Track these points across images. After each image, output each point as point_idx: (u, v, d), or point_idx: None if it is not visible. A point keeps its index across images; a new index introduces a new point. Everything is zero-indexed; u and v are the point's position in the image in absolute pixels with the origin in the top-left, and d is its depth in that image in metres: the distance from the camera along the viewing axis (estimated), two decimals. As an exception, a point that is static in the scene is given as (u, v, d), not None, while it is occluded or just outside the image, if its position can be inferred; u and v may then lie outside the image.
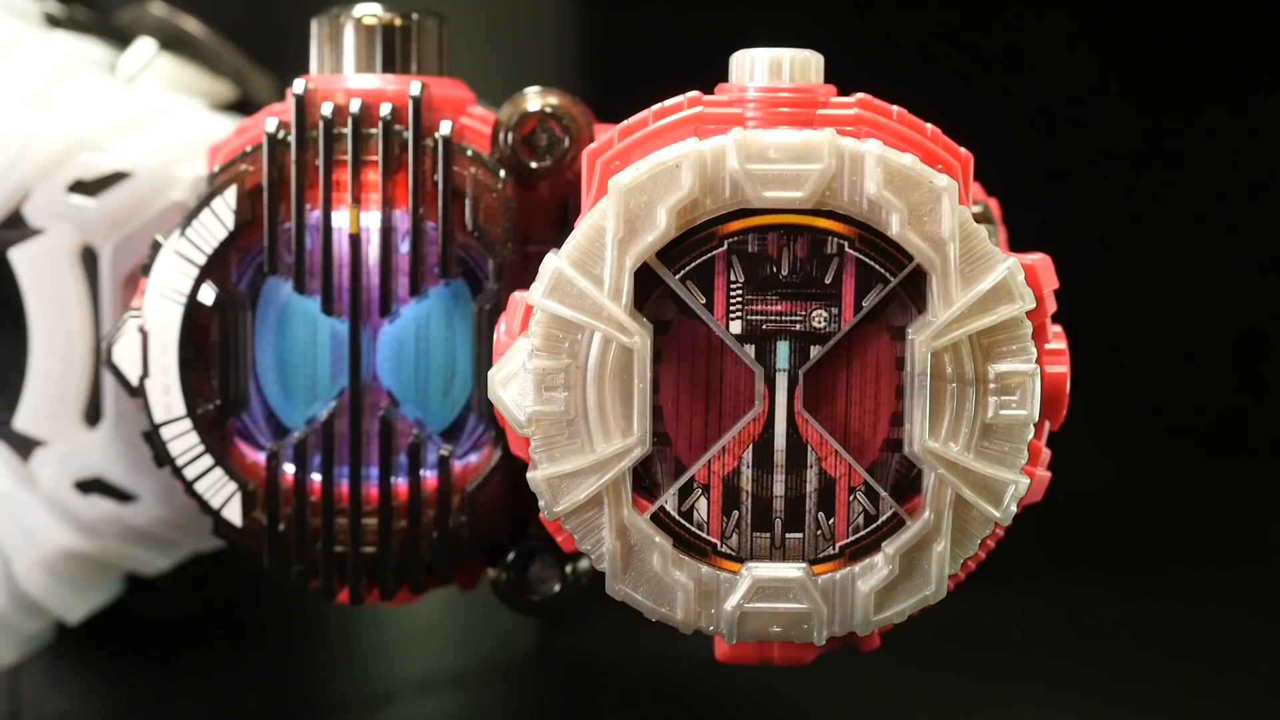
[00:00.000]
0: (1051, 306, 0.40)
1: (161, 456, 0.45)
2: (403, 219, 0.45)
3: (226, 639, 0.61)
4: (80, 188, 0.48)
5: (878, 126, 0.40)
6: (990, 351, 0.39)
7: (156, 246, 0.45)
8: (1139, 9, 0.84)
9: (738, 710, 0.64)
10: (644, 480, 0.40)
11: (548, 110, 0.45)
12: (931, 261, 0.39)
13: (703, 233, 0.39)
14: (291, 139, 0.44)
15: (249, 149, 0.45)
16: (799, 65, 0.40)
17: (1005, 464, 0.39)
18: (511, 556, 0.46)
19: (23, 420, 0.49)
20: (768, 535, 0.40)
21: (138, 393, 0.45)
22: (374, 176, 0.44)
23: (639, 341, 0.39)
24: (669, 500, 0.40)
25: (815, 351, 0.40)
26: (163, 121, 0.50)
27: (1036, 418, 0.39)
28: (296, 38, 0.47)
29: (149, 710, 0.61)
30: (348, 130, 0.44)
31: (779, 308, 0.40)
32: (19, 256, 0.48)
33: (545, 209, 0.46)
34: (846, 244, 0.39)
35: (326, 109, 0.44)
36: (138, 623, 0.58)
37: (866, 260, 0.39)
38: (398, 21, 0.46)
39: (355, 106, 0.44)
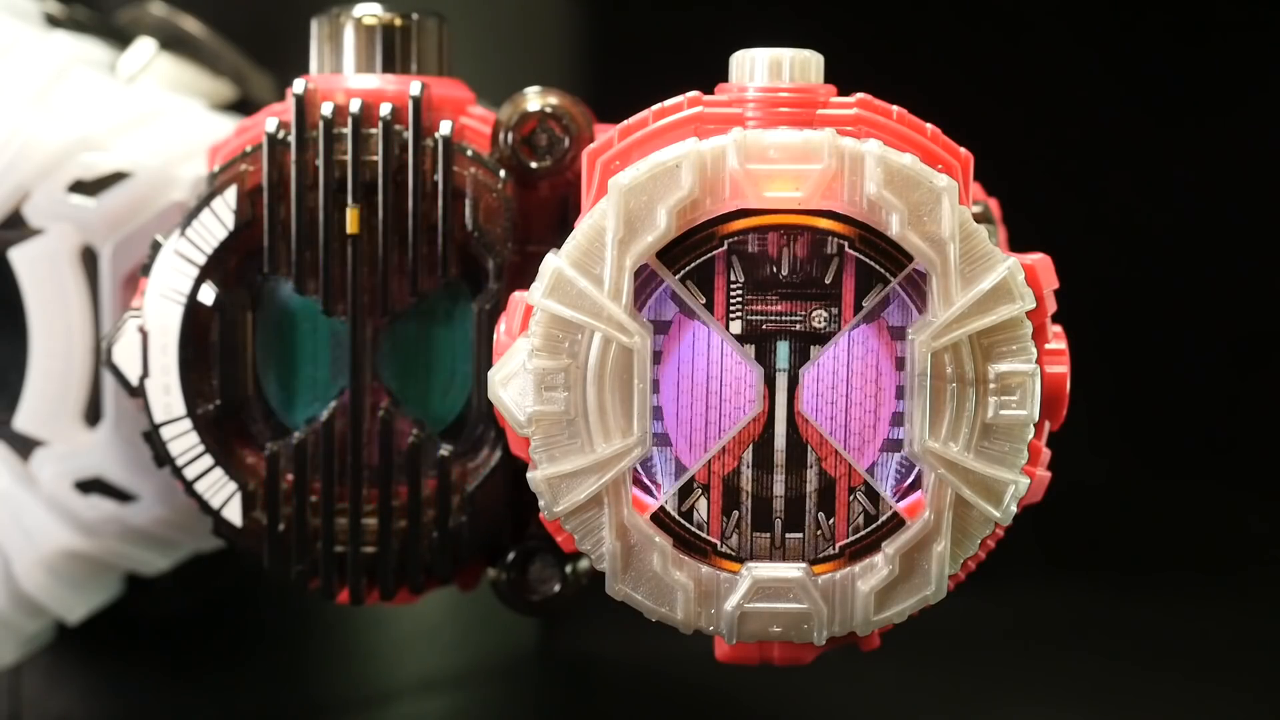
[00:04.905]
0: (1051, 306, 0.40)
1: (161, 456, 0.45)
2: (403, 219, 0.45)
3: (226, 639, 0.61)
4: (80, 188, 0.48)
5: (878, 126, 0.40)
6: (990, 351, 0.39)
7: (156, 246, 0.45)
8: (1139, 9, 0.84)
9: (738, 710, 0.64)
10: (644, 480, 0.40)
11: (548, 110, 0.45)
12: (931, 261, 0.39)
13: (703, 233, 0.39)
14: (291, 139, 0.44)
15: (249, 149, 0.45)
16: (799, 65, 0.40)
17: (1005, 464, 0.39)
18: (511, 556, 0.46)
19: (23, 420, 0.49)
20: (768, 535, 0.40)
21: (138, 393, 0.45)
22: (374, 176, 0.44)
23: (639, 341, 0.39)
24: (669, 500, 0.40)
25: (815, 351, 0.40)
26: (163, 121, 0.50)
27: (1036, 418, 0.39)
28: (296, 38, 0.47)
29: (149, 710, 0.61)
30: (348, 130, 0.44)
31: (779, 308, 0.40)
32: (19, 256, 0.48)
33: (545, 209, 0.46)
34: (846, 244, 0.39)
35: (326, 109, 0.44)
36: (138, 623, 0.58)
37: (866, 260, 0.39)
38: (398, 21, 0.46)
39: (355, 106, 0.44)
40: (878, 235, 0.39)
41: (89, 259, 0.48)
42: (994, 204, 0.47)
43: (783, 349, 0.40)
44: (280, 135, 0.45)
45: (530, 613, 0.46)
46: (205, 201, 0.45)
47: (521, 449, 0.40)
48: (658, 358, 0.40)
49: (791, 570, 0.40)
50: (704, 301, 0.40)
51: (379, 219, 0.44)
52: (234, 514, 0.45)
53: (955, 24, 0.83)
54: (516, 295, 0.41)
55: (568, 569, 0.46)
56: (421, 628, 0.64)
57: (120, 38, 0.54)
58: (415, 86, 0.45)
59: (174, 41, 0.54)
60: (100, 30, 0.54)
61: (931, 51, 0.82)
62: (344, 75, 0.46)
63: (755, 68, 0.40)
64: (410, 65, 0.46)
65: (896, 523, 0.40)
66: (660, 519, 0.40)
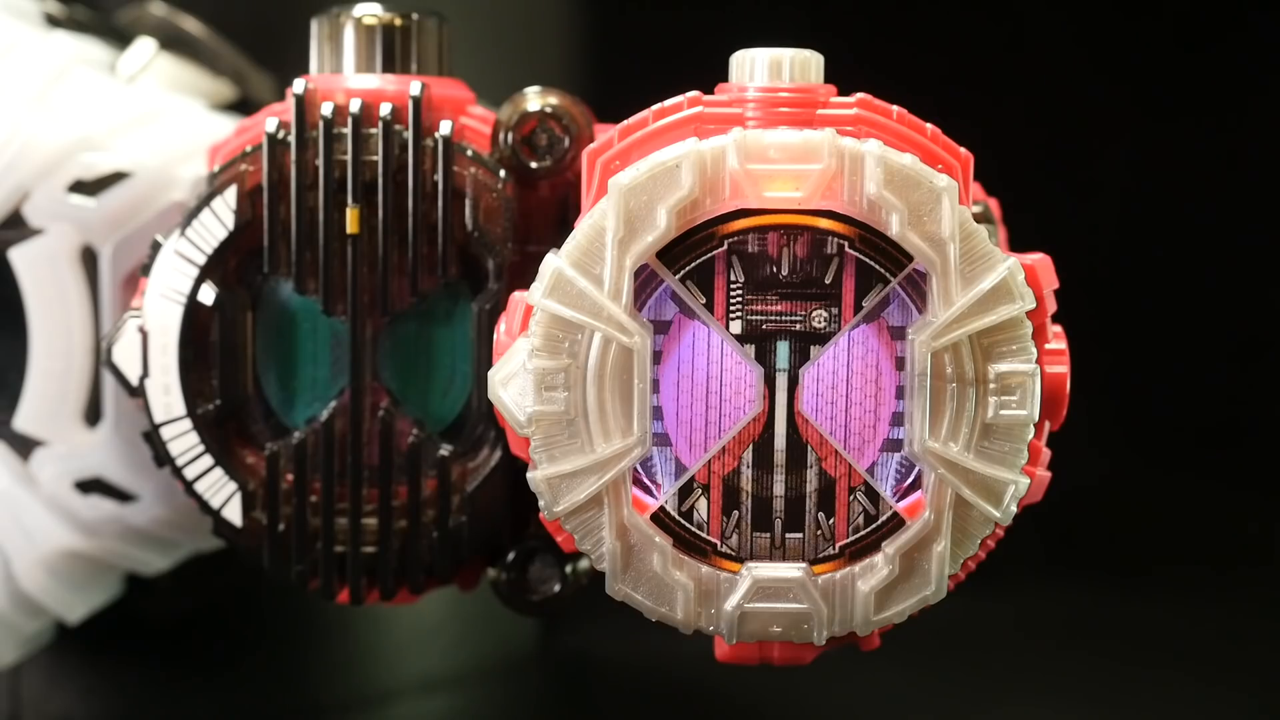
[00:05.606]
0: (1051, 306, 0.40)
1: (161, 456, 0.45)
2: (403, 219, 0.45)
3: (226, 639, 0.61)
4: (80, 188, 0.48)
5: (878, 126, 0.40)
6: (990, 351, 0.39)
7: (156, 246, 0.45)
8: (1139, 9, 0.84)
9: (738, 710, 0.64)
10: (644, 480, 0.40)
11: (548, 110, 0.45)
12: (931, 261, 0.39)
13: (703, 233, 0.39)
14: (291, 139, 0.44)
15: (249, 149, 0.45)
16: (799, 65, 0.40)
17: (1005, 464, 0.39)
18: (511, 556, 0.46)
19: (23, 420, 0.49)
20: (768, 535, 0.40)
21: (138, 393, 0.45)
22: (374, 176, 0.44)
23: (639, 341, 0.39)
24: (669, 500, 0.40)
25: (815, 351, 0.40)
26: (163, 121, 0.50)
27: (1036, 418, 0.39)
28: (296, 38, 0.47)
29: (149, 710, 0.60)
30: (348, 130, 0.44)
31: (779, 308, 0.40)
32: (19, 256, 0.48)
33: (545, 209, 0.46)
34: (846, 244, 0.39)
35: (326, 109, 0.44)
36: (138, 623, 0.58)
37: (866, 260, 0.39)
38: (398, 21, 0.46)
39: (355, 106, 0.44)
40: (878, 235, 0.39)
41: (89, 259, 0.48)
42: (994, 204, 0.47)
43: (783, 349, 0.40)
44: (280, 135, 0.45)
45: (530, 613, 0.46)
46: (205, 201, 0.45)
47: (521, 449, 0.40)
48: (658, 358, 0.40)
49: (791, 570, 0.40)
50: (704, 301, 0.40)
51: (379, 219, 0.44)
52: (234, 514, 0.45)
53: (955, 24, 0.83)
54: (516, 295, 0.41)
55: (568, 569, 0.46)
56: (421, 628, 0.64)
57: (120, 38, 0.54)
58: (415, 86, 0.45)
59: (174, 41, 0.54)
60: (100, 30, 0.54)
61: (931, 51, 0.82)
62: (344, 75, 0.46)
63: (755, 68, 0.40)
64: (410, 65, 0.46)
65: (896, 523, 0.40)
66: (660, 519, 0.40)
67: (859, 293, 0.39)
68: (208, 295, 0.45)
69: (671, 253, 0.39)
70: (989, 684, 0.66)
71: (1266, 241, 0.85)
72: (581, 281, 0.39)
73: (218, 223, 0.45)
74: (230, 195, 0.45)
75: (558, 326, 0.39)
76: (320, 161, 0.44)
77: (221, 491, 0.45)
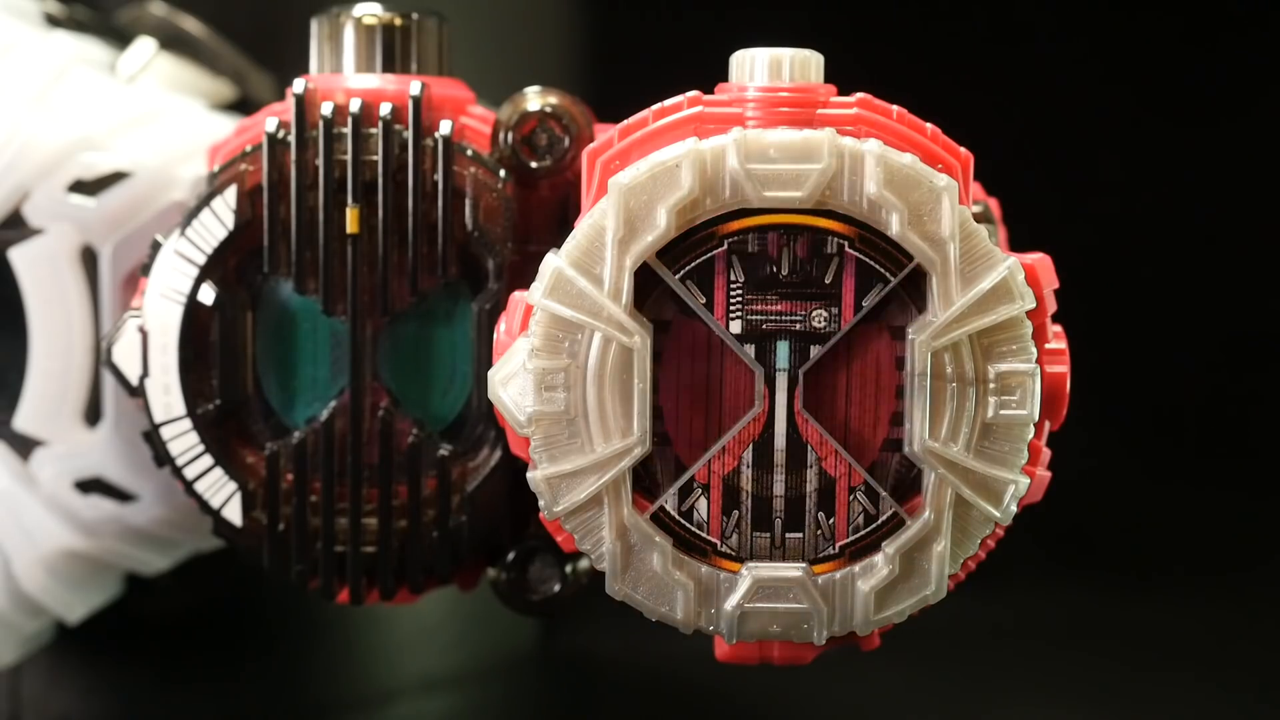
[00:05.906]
0: (1051, 306, 0.40)
1: (161, 456, 0.45)
2: (403, 219, 0.45)
3: (226, 639, 0.61)
4: (80, 188, 0.48)
5: (878, 126, 0.40)
6: (990, 351, 0.39)
7: (156, 246, 0.45)
8: (1140, 9, 0.84)
9: (738, 710, 0.64)
10: (644, 480, 0.40)
11: (548, 110, 0.45)
12: (931, 261, 0.39)
13: (703, 232, 0.39)
14: (291, 139, 0.44)
15: (249, 149, 0.45)
16: (799, 65, 0.40)
17: (1005, 464, 0.39)
18: (511, 556, 0.46)
19: (23, 420, 0.49)
20: (768, 535, 0.40)
21: (138, 393, 0.45)
22: (374, 176, 0.44)
23: (639, 341, 0.39)
24: (669, 500, 0.40)
25: (815, 351, 0.40)
26: (163, 121, 0.50)
27: (1036, 417, 0.39)
28: (296, 38, 0.47)
29: (149, 710, 0.60)
30: (348, 130, 0.44)
31: (779, 307, 0.40)
32: (19, 256, 0.48)
33: (545, 209, 0.46)
34: (846, 244, 0.39)
35: (326, 109, 0.44)
36: (138, 623, 0.58)
37: (866, 260, 0.39)
38: (398, 21, 0.46)
39: (355, 106, 0.44)
40: (878, 235, 0.39)
41: (89, 259, 0.48)
42: (994, 204, 0.47)
43: (783, 349, 0.40)
44: (280, 135, 0.45)
45: (530, 613, 0.46)
46: (205, 201, 0.45)
47: (521, 449, 0.40)
48: (658, 358, 0.40)
49: (791, 570, 0.40)
50: (704, 301, 0.40)
51: (379, 219, 0.44)
52: (234, 514, 0.45)
53: (955, 24, 0.83)
54: (516, 295, 0.41)
55: (568, 569, 0.46)
56: (421, 628, 0.64)
57: (120, 38, 0.54)
58: (415, 86, 0.45)
59: (174, 41, 0.54)
60: (100, 30, 0.54)
61: (931, 51, 0.82)
62: (344, 75, 0.46)
63: (755, 67, 0.40)
64: (410, 65, 0.46)
65: (896, 522, 0.40)
66: (660, 519, 0.40)
67: (859, 292, 0.39)
68: (208, 295, 0.45)
69: (671, 252, 0.39)
70: (989, 684, 0.66)
71: (1267, 242, 0.85)
72: (581, 281, 0.39)
73: (218, 223, 0.45)
74: (230, 195, 0.45)
75: (558, 326, 0.39)
76: (320, 161, 0.44)
77: (221, 491, 0.45)
